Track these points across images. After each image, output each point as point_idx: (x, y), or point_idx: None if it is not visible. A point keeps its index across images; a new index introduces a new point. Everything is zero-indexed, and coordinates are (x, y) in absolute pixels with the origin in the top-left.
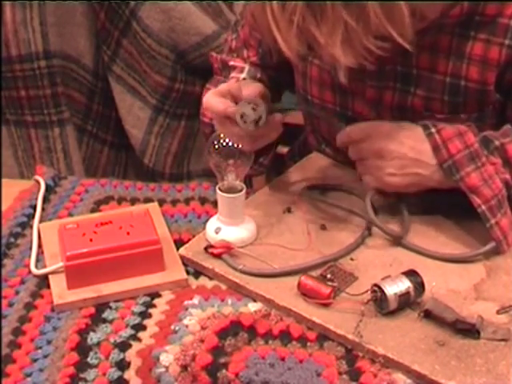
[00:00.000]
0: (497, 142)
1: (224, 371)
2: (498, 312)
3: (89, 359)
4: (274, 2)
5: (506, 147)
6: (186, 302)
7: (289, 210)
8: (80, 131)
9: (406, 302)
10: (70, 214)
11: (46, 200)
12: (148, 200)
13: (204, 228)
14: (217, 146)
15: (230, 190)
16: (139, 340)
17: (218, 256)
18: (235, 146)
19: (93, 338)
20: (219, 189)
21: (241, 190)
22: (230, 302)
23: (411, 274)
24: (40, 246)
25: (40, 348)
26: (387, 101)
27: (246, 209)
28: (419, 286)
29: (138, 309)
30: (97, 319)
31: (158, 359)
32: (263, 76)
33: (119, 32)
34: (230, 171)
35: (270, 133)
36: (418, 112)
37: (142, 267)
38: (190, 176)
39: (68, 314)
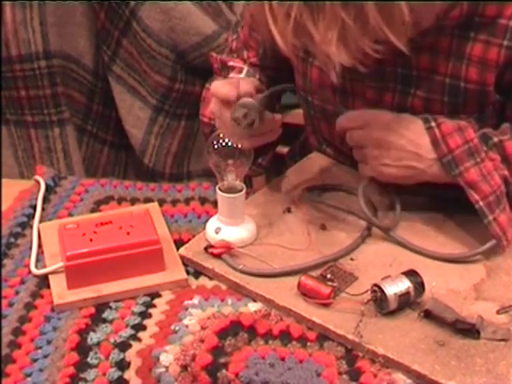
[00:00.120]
0: (495, 139)
1: (224, 371)
2: (498, 312)
3: (89, 359)
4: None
5: (504, 144)
6: (185, 302)
7: (289, 210)
8: (80, 131)
9: (406, 302)
10: (70, 214)
11: (46, 200)
12: (148, 200)
13: (204, 228)
14: (217, 146)
15: (230, 189)
16: (139, 340)
17: (217, 256)
18: (235, 146)
19: (93, 338)
20: (219, 189)
21: (241, 190)
22: (230, 302)
23: (411, 274)
24: (40, 246)
25: (40, 348)
26: (387, 102)
27: (246, 209)
28: (419, 286)
29: (138, 309)
30: (97, 319)
31: (158, 359)
32: (262, 77)
33: (119, 32)
34: (229, 171)
35: (269, 132)
36: (418, 113)
37: (142, 267)
38: (190, 176)
39: (68, 314)
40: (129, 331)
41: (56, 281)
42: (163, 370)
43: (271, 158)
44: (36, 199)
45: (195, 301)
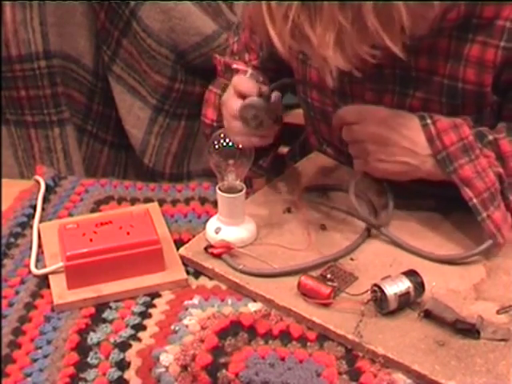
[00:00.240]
0: (490, 137)
1: (224, 371)
2: (498, 312)
3: (89, 359)
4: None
5: (499, 142)
6: (185, 302)
7: (289, 210)
8: (80, 131)
9: (406, 302)
10: (70, 214)
11: (46, 200)
12: (148, 200)
13: (204, 228)
14: (217, 146)
15: (230, 190)
16: (139, 340)
17: (218, 256)
18: (236, 146)
19: (93, 337)
20: (219, 189)
21: (241, 190)
22: (230, 301)
23: (411, 273)
24: (40, 246)
25: (40, 348)
26: (386, 103)
27: (246, 209)
28: (419, 286)
29: (138, 309)
30: (97, 319)
31: (158, 359)
32: (265, 79)
33: (119, 32)
34: (230, 171)
35: (266, 136)
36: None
37: (142, 267)
38: (190, 176)
39: (68, 314)
40: (129, 331)
41: (56, 281)
42: (163, 370)
43: (272, 160)
44: (36, 199)
45: (195, 301)
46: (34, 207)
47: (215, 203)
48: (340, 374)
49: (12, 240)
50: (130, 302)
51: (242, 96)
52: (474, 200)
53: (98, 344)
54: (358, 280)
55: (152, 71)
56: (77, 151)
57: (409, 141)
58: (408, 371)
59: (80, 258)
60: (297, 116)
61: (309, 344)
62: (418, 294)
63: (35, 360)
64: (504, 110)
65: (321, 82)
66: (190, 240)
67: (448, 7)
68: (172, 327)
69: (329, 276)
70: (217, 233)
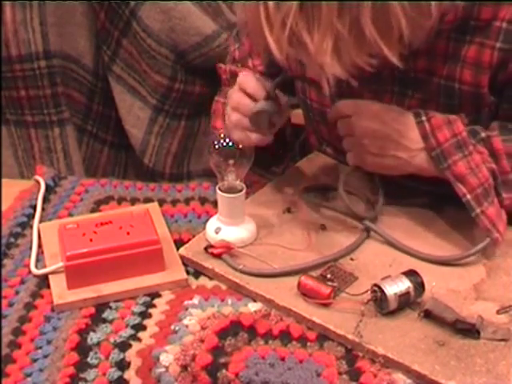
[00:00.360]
0: (483, 134)
1: (224, 371)
2: (498, 312)
3: (89, 359)
4: (270, 1)
5: (491, 140)
6: (186, 302)
7: (289, 210)
8: (80, 131)
9: (406, 302)
10: (70, 214)
11: (46, 200)
12: (148, 200)
13: (204, 228)
14: (217, 146)
15: (230, 190)
16: (139, 340)
17: (218, 256)
18: (236, 146)
19: (93, 337)
20: (219, 189)
21: (241, 190)
22: (230, 301)
23: (411, 273)
24: (40, 246)
25: (40, 348)
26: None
27: (246, 209)
28: (419, 286)
29: (138, 309)
30: (97, 319)
31: (158, 359)
32: (271, 84)
33: (119, 32)
34: (230, 171)
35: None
36: None
37: (142, 267)
38: (190, 176)
39: (68, 314)
40: (129, 331)
41: (56, 281)
42: (163, 370)
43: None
44: (36, 199)
45: (195, 301)
46: (34, 207)
47: (215, 203)
48: (340, 373)
49: (12, 240)
50: (130, 301)
51: (249, 95)
52: (468, 196)
53: (98, 344)
54: (358, 280)
55: (152, 71)
56: (77, 151)
57: (400, 135)
58: (408, 371)
59: (80, 258)
60: (297, 116)
61: (309, 344)
62: (418, 294)
63: (35, 360)
64: (500, 109)
65: (319, 82)
66: (190, 240)
67: (445, 10)
68: (172, 327)
69: (329, 276)
70: (217, 233)
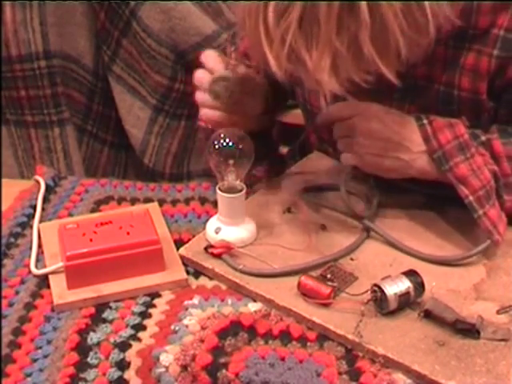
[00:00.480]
0: (483, 138)
1: (224, 371)
2: (498, 312)
3: (89, 359)
4: (270, 16)
5: (491, 142)
6: (186, 302)
7: (289, 210)
8: (80, 131)
9: (406, 302)
10: (70, 214)
11: (46, 200)
12: (148, 200)
13: (204, 228)
14: (217, 146)
15: (230, 190)
16: (139, 340)
17: (218, 256)
18: (236, 146)
19: (93, 337)
20: (219, 189)
21: (241, 190)
22: (230, 301)
23: (411, 273)
24: (40, 246)
25: (40, 348)
26: None
27: (246, 209)
28: (419, 286)
29: (138, 309)
30: (97, 319)
31: (158, 359)
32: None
33: (119, 32)
34: (230, 171)
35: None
36: None
37: (142, 267)
38: (190, 176)
39: (68, 314)
40: (129, 331)
41: (56, 281)
42: (163, 370)
43: (267, 170)
44: (36, 199)
45: (195, 301)
46: (34, 207)
47: (215, 203)
48: (340, 373)
49: (12, 240)
50: (130, 301)
51: (209, 71)
52: (470, 197)
53: (98, 344)
54: (358, 280)
55: (152, 71)
56: (77, 151)
57: (401, 136)
58: (408, 371)
59: (80, 258)
60: (297, 116)
61: (309, 344)
62: (418, 294)
63: (35, 360)
64: (497, 114)
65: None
66: (190, 240)
67: (440, 25)
68: (172, 327)
69: (329, 276)
70: (217, 233)
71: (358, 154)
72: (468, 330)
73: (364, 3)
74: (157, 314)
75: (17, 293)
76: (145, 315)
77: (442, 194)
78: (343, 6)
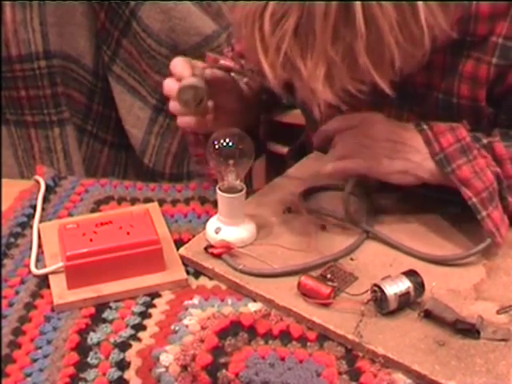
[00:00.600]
0: (485, 140)
1: (224, 371)
2: (498, 312)
3: (89, 359)
4: (266, 24)
5: (493, 145)
6: (186, 302)
7: (289, 210)
8: (80, 131)
9: (406, 302)
10: (70, 214)
11: (46, 200)
12: (148, 200)
13: (204, 228)
14: (217, 146)
15: (230, 190)
16: (139, 340)
17: (218, 256)
18: (236, 146)
19: (93, 337)
20: (219, 189)
21: (241, 190)
22: (230, 302)
23: (411, 273)
24: (40, 246)
25: (40, 348)
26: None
27: (246, 209)
28: (419, 286)
29: (138, 309)
30: (97, 319)
31: (158, 359)
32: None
33: (119, 32)
34: (230, 171)
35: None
36: None
37: (142, 267)
38: (190, 176)
39: (68, 314)
40: (129, 331)
41: (56, 281)
42: (163, 369)
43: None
44: (36, 199)
45: (195, 301)
46: (34, 207)
47: (215, 203)
48: (340, 373)
49: (12, 240)
50: (130, 301)
51: (177, 78)
52: (474, 199)
53: (98, 344)
54: (358, 280)
55: (152, 71)
56: (77, 151)
57: (407, 139)
58: (408, 371)
59: (80, 258)
60: (297, 116)
61: (309, 344)
62: (418, 294)
63: (35, 360)
64: (497, 119)
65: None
66: (190, 240)
67: (435, 36)
68: (172, 327)
69: (329, 276)
70: (217, 233)
71: (367, 157)
72: (468, 329)
73: (360, 14)
74: (157, 314)
75: (17, 293)
76: (145, 315)
77: (446, 197)
78: (339, 16)
